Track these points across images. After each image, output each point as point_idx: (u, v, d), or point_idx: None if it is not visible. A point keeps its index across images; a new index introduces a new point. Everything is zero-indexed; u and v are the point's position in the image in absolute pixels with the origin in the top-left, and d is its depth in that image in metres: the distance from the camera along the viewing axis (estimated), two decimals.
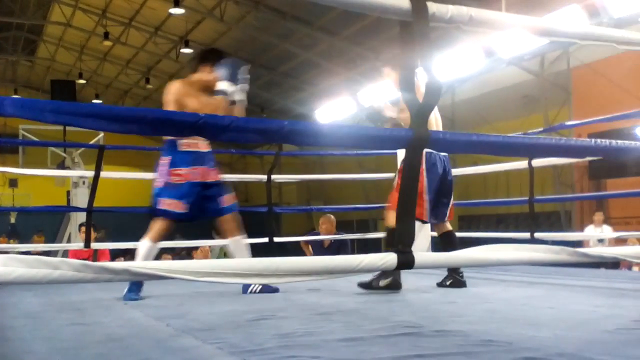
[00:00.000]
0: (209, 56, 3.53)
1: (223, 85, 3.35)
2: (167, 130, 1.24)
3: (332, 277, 1.41)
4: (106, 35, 16.46)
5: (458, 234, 4.10)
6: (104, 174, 5.04)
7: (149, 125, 1.21)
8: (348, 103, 15.37)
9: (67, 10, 16.55)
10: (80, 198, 10.99)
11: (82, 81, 19.75)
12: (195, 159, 3.38)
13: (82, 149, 12.20)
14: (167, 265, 1.20)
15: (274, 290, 3.49)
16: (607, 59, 10.61)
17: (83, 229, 5.72)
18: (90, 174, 4.92)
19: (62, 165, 12.96)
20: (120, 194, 18.46)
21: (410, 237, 1.51)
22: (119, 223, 12.41)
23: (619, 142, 1.82)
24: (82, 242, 5.01)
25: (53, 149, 13.66)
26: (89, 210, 4.90)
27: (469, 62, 11.20)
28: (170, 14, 14.69)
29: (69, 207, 10.89)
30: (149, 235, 3.36)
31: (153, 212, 3.38)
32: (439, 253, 1.54)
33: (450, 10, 1.60)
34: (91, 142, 10.17)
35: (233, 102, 3.36)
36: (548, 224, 11.90)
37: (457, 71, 11.60)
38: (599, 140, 1.72)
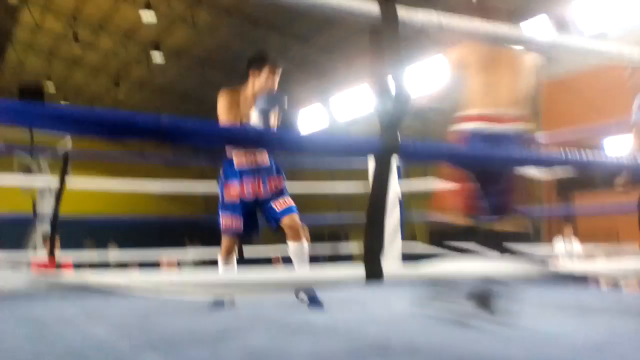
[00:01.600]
0: (252, 62, 3.51)
1: (254, 117, 3.22)
2: (127, 134, 1.18)
3: (299, 289, 1.36)
4: (76, 39, 16.22)
5: (429, 248, 4.06)
6: (71, 182, 4.91)
7: (107, 129, 1.15)
8: (319, 111, 15.35)
9: (37, 14, 16.29)
10: (47, 206, 10.74)
11: (51, 86, 19.43)
12: (246, 174, 3.37)
13: (49, 155, 11.94)
14: (125, 279, 1.14)
15: (320, 305, 3.31)
16: (577, 74, 10.76)
17: (48, 239, 5.58)
18: (55, 181, 4.79)
19: (28, 172, 12.67)
20: (98, 202, 18.21)
21: (379, 249, 1.46)
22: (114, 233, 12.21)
23: (588, 154, 1.80)
24: (46, 251, 4.87)
25: (20, 155, 13.35)
26: (53, 219, 4.76)
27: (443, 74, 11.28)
28: (142, 20, 14.54)
29: (30, 216, 10.60)
30: (220, 252, 3.42)
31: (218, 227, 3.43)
32: (409, 266, 1.50)
33: (420, 16, 1.57)
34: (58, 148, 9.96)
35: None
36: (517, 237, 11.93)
37: (429, 82, 11.67)
38: (569, 152, 1.70)
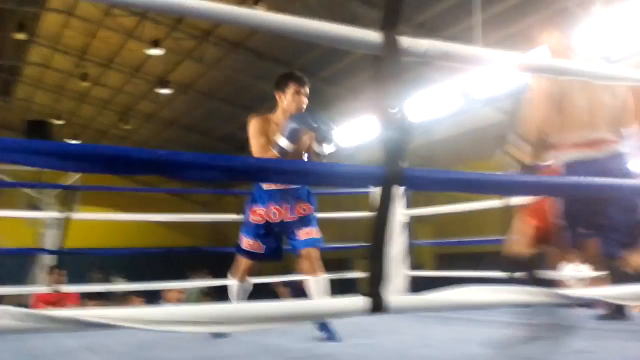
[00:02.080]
0: (277, 84, 3.41)
1: (283, 143, 3.13)
2: (123, 169, 1.16)
3: (299, 323, 1.32)
4: (84, 77, 16.40)
5: (435, 274, 4.00)
6: (75, 215, 4.92)
7: (105, 164, 1.13)
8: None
9: (46, 52, 16.50)
10: (53, 240, 10.77)
11: (60, 122, 19.59)
12: (273, 196, 3.26)
13: (57, 190, 12.01)
14: (117, 314, 1.10)
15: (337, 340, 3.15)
16: None
17: (53, 271, 5.56)
18: (60, 215, 4.80)
19: (35, 207, 12.73)
20: (104, 235, 18.21)
21: (383, 280, 1.43)
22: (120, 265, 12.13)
23: (595, 179, 1.77)
24: (49, 285, 4.85)
25: (27, 190, 13.44)
26: (59, 252, 4.76)
27: (446, 102, 11.32)
28: (150, 56, 14.69)
29: (36, 249, 10.65)
30: (235, 273, 3.36)
31: (236, 249, 3.35)
32: (414, 296, 1.47)
33: (425, 45, 1.55)
34: (69, 183, 10.00)
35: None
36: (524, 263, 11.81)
37: (434, 111, 11.71)
38: (576, 178, 1.67)
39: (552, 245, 2.53)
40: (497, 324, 3.90)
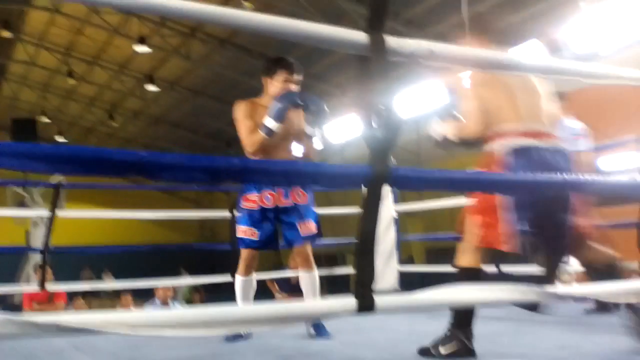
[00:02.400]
0: (265, 69, 3.23)
1: (269, 122, 3.00)
2: (103, 170, 1.14)
3: (287, 324, 1.31)
4: (70, 74, 16.27)
5: (425, 268, 3.99)
6: (61, 212, 4.87)
7: (83, 165, 1.12)
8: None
9: (31, 49, 16.35)
10: (40, 238, 10.68)
11: (45, 119, 19.44)
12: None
13: (43, 188, 11.92)
14: (100, 318, 1.09)
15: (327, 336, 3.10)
16: (568, 93, 10.80)
17: (38, 269, 5.50)
18: (47, 213, 4.74)
19: (21, 204, 12.63)
20: (93, 232, 18.09)
21: (370, 279, 1.42)
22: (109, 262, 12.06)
23: (585, 176, 1.77)
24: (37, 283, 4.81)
25: (14, 188, 13.32)
26: (44, 250, 4.71)
27: (433, 98, 11.33)
28: (136, 52, 14.60)
29: (22, 247, 10.57)
30: (239, 268, 3.24)
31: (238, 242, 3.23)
32: (402, 296, 1.46)
33: (410, 44, 1.54)
34: (55, 181, 9.92)
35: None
36: (514, 257, 11.90)
37: (423, 106, 11.71)
38: (565, 175, 1.67)
39: (499, 247, 2.46)
40: (486, 318, 3.91)
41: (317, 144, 3.20)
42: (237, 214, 3.42)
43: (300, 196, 3.13)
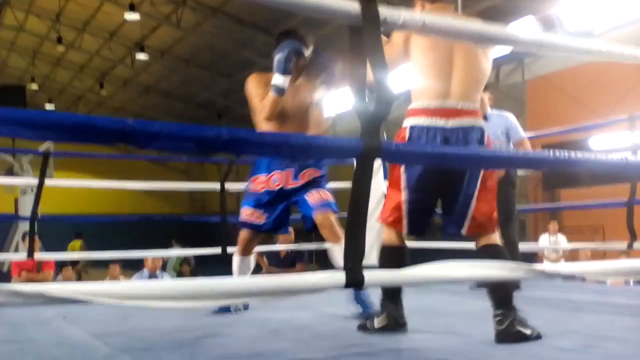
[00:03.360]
0: (277, 41, 2.94)
1: (276, 79, 2.80)
2: (88, 137, 1.12)
3: (275, 298, 1.30)
4: (59, 40, 16.05)
5: (415, 244, 4.00)
6: (50, 181, 4.83)
7: (68, 132, 1.09)
8: None
9: (20, 14, 16.10)
10: (29, 206, 10.62)
11: (34, 86, 19.23)
12: (275, 162, 2.96)
13: (31, 155, 11.83)
14: (88, 288, 1.08)
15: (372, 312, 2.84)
16: (561, 72, 10.80)
17: (27, 238, 5.48)
18: (36, 181, 4.70)
19: (10, 172, 12.54)
20: (82, 200, 18.02)
21: (359, 255, 1.41)
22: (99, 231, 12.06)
23: (575, 153, 1.76)
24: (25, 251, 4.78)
25: (1, 155, 13.22)
26: (32, 218, 4.68)
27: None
28: (126, 20, 14.40)
29: (11, 215, 10.53)
30: (237, 248, 3.13)
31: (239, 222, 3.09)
32: (390, 271, 1.45)
33: (403, 15, 1.51)
34: (43, 148, 9.84)
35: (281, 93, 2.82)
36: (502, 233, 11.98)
37: None
38: (554, 152, 1.66)
39: (386, 224, 2.49)
40: (478, 294, 3.94)
41: (327, 111, 3.04)
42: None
43: (311, 174, 2.98)
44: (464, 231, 2.37)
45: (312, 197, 2.91)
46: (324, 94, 2.95)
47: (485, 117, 4.28)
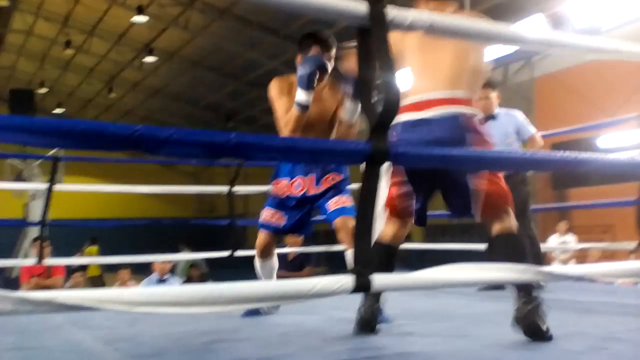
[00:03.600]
0: (300, 44, 2.94)
1: (300, 95, 2.75)
2: (97, 144, 1.12)
3: (283, 303, 1.30)
4: (68, 44, 16.13)
5: (423, 246, 3.98)
6: (59, 186, 4.84)
7: (76, 139, 1.09)
8: None
9: (29, 18, 16.19)
10: (38, 211, 10.68)
11: (43, 90, 19.34)
12: (297, 167, 2.97)
13: (40, 160, 11.88)
14: (97, 295, 1.08)
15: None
16: (569, 69, 10.75)
17: (36, 243, 5.50)
18: (45, 186, 4.72)
19: (19, 177, 12.61)
20: (92, 205, 18.08)
21: (367, 259, 1.40)
22: (108, 235, 12.10)
23: (585, 154, 1.75)
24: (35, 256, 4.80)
25: (11, 160, 13.29)
26: (42, 224, 4.70)
27: None
28: (134, 23, 14.46)
29: (20, 221, 10.58)
30: (256, 252, 3.11)
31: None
32: (399, 275, 1.44)
33: (410, 16, 1.51)
34: (52, 153, 9.89)
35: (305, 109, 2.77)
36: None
37: None
38: (565, 153, 1.64)
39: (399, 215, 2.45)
40: (486, 296, 3.93)
41: (355, 127, 2.89)
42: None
43: (334, 179, 2.96)
44: (476, 214, 2.28)
45: (332, 204, 2.91)
46: (351, 99, 2.80)
47: (493, 116, 4.28)
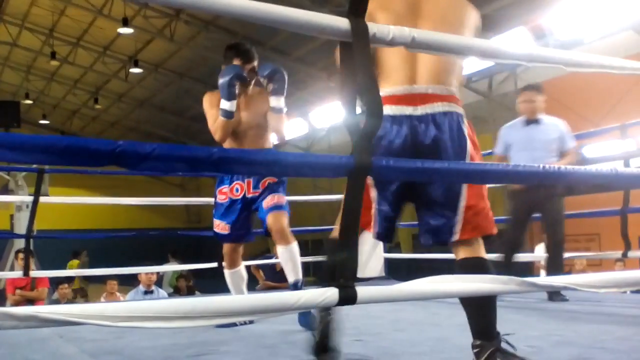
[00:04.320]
0: (224, 56, 3.17)
1: (223, 104, 2.98)
2: (79, 160, 1.12)
3: (268, 316, 1.30)
4: (53, 55, 16.07)
5: (411, 256, 4.00)
6: (45, 198, 4.82)
7: (58, 155, 1.10)
8: (299, 124, 15.31)
9: (13, 29, 16.12)
10: (24, 223, 10.59)
11: (28, 101, 19.23)
12: (236, 174, 3.08)
13: (25, 173, 11.80)
14: (80, 309, 1.08)
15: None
16: (554, 80, 10.84)
17: (20, 255, 5.46)
18: (31, 198, 4.69)
19: (5, 189, 12.51)
20: (77, 216, 17.92)
21: (352, 270, 1.41)
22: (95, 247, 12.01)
23: (568, 167, 1.77)
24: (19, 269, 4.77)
25: None
26: (28, 236, 4.67)
27: None
28: (119, 34, 14.44)
29: (6, 233, 10.48)
30: (224, 262, 3.24)
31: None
32: (383, 287, 1.45)
33: (392, 31, 1.52)
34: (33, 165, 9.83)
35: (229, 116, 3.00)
36: (498, 243, 11.98)
37: None
38: (547, 166, 1.66)
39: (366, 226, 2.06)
40: None
41: (284, 117, 3.12)
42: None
43: (271, 181, 3.09)
44: (455, 236, 1.92)
45: (265, 202, 3.02)
46: (277, 100, 3.07)
47: (537, 121, 4.28)
